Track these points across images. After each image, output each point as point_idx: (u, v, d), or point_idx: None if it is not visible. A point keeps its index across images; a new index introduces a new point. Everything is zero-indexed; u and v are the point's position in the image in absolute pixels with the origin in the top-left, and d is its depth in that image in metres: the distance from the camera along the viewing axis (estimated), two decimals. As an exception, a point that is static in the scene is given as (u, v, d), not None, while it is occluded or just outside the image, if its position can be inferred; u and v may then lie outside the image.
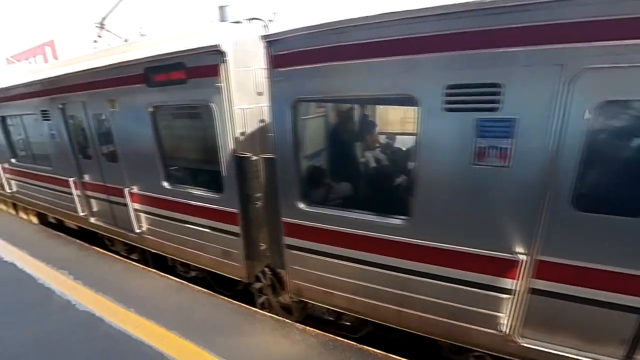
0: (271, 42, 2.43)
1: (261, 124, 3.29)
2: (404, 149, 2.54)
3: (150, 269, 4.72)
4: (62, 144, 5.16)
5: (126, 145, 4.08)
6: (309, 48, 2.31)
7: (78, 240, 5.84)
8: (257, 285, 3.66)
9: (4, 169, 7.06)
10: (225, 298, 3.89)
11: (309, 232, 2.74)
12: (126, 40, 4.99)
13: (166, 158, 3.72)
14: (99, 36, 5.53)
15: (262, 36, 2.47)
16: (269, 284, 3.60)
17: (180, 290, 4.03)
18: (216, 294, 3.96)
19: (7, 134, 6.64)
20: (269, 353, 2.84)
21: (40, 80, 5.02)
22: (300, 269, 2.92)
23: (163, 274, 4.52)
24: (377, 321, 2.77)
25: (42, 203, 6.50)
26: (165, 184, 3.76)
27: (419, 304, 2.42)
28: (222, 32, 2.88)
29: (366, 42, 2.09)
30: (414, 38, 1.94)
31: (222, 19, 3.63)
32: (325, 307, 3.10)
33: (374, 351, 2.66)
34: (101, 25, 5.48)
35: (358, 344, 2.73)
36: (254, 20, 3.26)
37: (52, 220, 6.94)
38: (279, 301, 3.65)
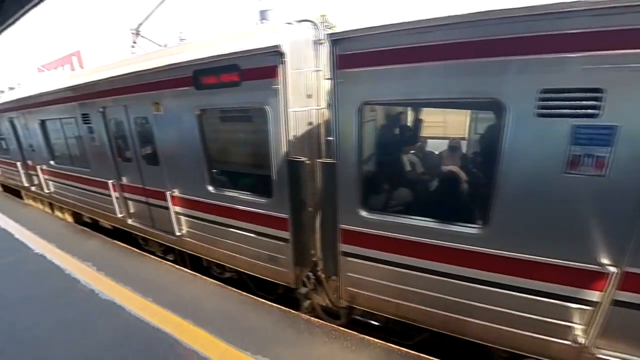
0: (338, 41, 2.23)
1: (309, 127, 3.11)
2: (481, 155, 2.29)
3: (165, 261, 4.80)
4: (101, 147, 5.08)
5: (169, 148, 3.94)
6: (382, 48, 2.11)
7: (101, 235, 6.04)
8: (303, 290, 3.48)
9: (43, 171, 7.10)
10: (235, 289, 3.92)
11: (370, 239, 2.55)
12: (165, 46, 4.86)
13: (211, 162, 3.55)
14: (134, 42, 5.48)
15: (328, 35, 2.28)
16: (312, 289, 3.47)
17: (194, 281, 4.15)
18: (226, 286, 4.01)
19: (46, 137, 6.64)
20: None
21: (81, 84, 4.95)
22: (356, 276, 2.75)
23: (177, 266, 4.63)
24: (439, 330, 2.57)
25: (78, 203, 6.49)
26: (210, 188, 3.59)
27: (488, 313, 2.25)
28: (280, 32, 2.69)
29: (448, 43, 1.91)
30: (506, 39, 1.76)
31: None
32: (377, 314, 2.93)
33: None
34: (137, 32, 5.45)
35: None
36: (303, 22, 3.05)
37: (87, 220, 6.95)
38: (322, 305, 3.53)
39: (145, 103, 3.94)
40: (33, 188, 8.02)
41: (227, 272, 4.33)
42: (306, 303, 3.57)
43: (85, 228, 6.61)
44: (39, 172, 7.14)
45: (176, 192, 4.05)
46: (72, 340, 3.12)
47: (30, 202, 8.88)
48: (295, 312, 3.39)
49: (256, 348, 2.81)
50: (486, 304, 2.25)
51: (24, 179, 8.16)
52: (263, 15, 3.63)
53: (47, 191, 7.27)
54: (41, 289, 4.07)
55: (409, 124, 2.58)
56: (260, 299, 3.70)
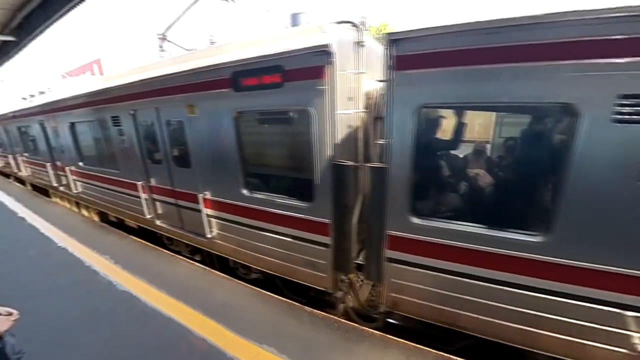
0: (397, 41, 2.08)
1: (350, 130, 2.94)
2: (548, 161, 2.12)
3: (177, 256, 4.92)
4: (130, 149, 4.99)
5: (202, 151, 3.82)
6: (446, 49, 1.97)
7: (118, 230, 6.24)
8: (339, 294, 3.36)
9: (71, 171, 7.11)
10: (241, 282, 4.01)
11: (420, 246, 2.41)
12: (194, 49, 4.73)
13: (247, 165, 3.41)
14: (161, 47, 5.54)
15: (386, 34, 2.13)
16: (347, 292, 3.38)
17: (203, 275, 4.27)
18: (233, 279, 4.10)
19: (75, 139, 6.64)
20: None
21: (113, 87, 4.88)
22: (401, 282, 2.61)
23: (189, 260, 4.74)
24: (490, 338, 2.42)
25: (106, 204, 6.46)
26: (245, 191, 3.46)
27: (545, 322, 2.14)
28: (328, 32, 2.53)
29: (520, 45, 1.78)
30: (582, 42, 1.63)
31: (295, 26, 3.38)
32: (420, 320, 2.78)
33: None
34: (164, 37, 5.49)
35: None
36: (343, 24, 2.89)
37: (113, 219, 6.92)
38: (354, 308, 3.46)
39: (179, 105, 3.84)
40: (61, 188, 8.08)
41: (253, 274, 4.24)
42: (341, 306, 3.45)
43: (103, 224, 6.83)
44: (68, 173, 7.17)
45: (208, 195, 3.93)
46: (93, 328, 3.23)
47: (57, 200, 8.98)
48: (299, 305, 3.44)
49: (261, 338, 2.90)
50: (549, 314, 2.13)
51: (52, 179, 8.21)
52: (294, 19, 3.52)
53: (75, 191, 7.31)
54: (64, 279, 4.24)
55: (468, 128, 2.38)
56: (265, 292, 3.76)
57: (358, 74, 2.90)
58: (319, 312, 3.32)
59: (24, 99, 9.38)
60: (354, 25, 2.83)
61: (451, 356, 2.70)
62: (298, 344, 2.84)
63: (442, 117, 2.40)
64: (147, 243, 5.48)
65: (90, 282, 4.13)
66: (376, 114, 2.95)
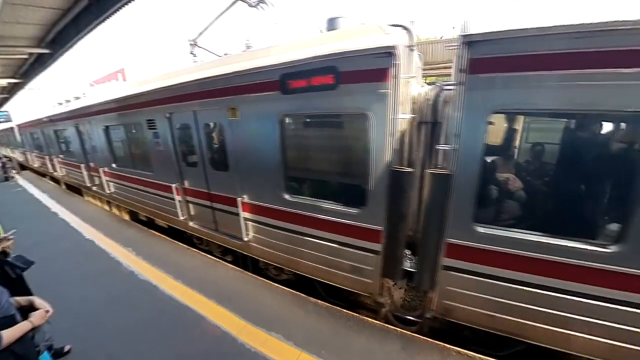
0: (472, 43, 1.91)
1: (403, 135, 2.73)
2: (629, 171, 1.92)
3: (191, 248, 5.07)
4: (165, 151, 4.89)
5: (242, 154, 3.66)
6: (530, 53, 1.80)
7: (137, 224, 6.58)
8: (382, 299, 3.19)
9: (104, 172, 7.18)
10: (251, 274, 4.13)
11: (483, 254, 2.24)
12: (226, 54, 4.62)
13: (290, 169, 3.25)
14: (192, 53, 5.46)
15: (461, 36, 1.94)
16: (390, 298, 3.25)
17: (216, 266, 4.42)
18: (244, 271, 4.23)
19: (109, 141, 6.65)
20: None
21: (147, 91, 4.80)
22: (458, 290, 2.46)
23: (203, 253, 4.88)
24: (553, 347, 2.29)
25: (138, 204, 6.43)
26: (287, 196, 3.30)
27: (612, 331, 2.01)
28: (390, 33, 2.35)
29: (621, 50, 1.60)
30: None
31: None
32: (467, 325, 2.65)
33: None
34: (194, 43, 5.44)
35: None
36: (394, 27, 2.68)
37: (143, 218, 6.91)
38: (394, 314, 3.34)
39: (218, 108, 3.70)
40: (94, 188, 8.21)
41: (284, 275, 4.12)
42: (382, 311, 3.30)
43: (126, 219, 7.20)
44: (101, 174, 7.24)
45: (246, 198, 3.81)
46: (117, 313, 3.43)
47: (90, 199, 9.19)
48: (304, 295, 3.51)
49: (270, 325, 3.01)
50: (623, 324, 1.99)
51: (86, 180, 8.33)
52: (332, 23, 3.38)
53: (108, 191, 7.36)
54: (91, 268, 4.49)
55: (544, 135, 2.19)
56: (273, 283, 3.87)
57: (410, 78, 2.72)
58: (322, 302, 3.39)
59: (60, 104, 9.66)
60: (405, 28, 2.63)
61: (446, 344, 2.70)
62: (303, 331, 2.93)
63: (516, 123, 2.21)
64: (164, 236, 5.67)
65: (114, 271, 4.36)
66: (422, 119, 2.78)
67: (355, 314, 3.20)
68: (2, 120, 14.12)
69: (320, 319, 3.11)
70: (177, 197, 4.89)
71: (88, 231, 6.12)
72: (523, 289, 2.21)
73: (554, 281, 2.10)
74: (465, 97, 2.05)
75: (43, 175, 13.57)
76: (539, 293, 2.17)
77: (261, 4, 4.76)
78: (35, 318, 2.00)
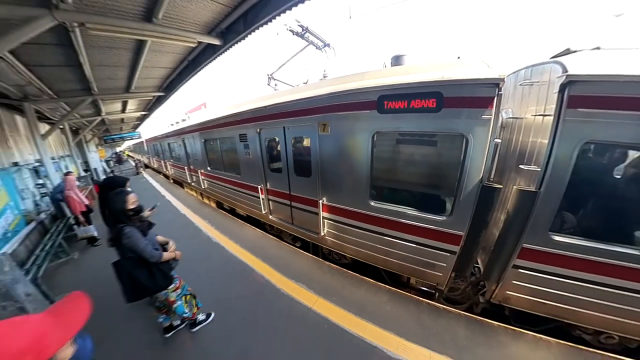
0: (573, 82, 1.92)
1: (495, 156, 2.63)
2: None
3: (246, 223, 5.73)
4: (253, 159, 5.21)
5: (327, 163, 3.71)
6: (615, 94, 1.82)
7: (211, 205, 7.65)
8: (442, 287, 3.11)
9: (201, 173, 8.09)
10: (285, 242, 4.54)
11: (552, 257, 2.25)
12: (306, 83, 4.89)
13: (378, 179, 3.22)
14: (269, 84, 6.05)
15: (566, 75, 1.92)
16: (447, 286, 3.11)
17: (264, 237, 4.93)
18: (281, 240, 4.67)
19: (206, 151, 7.44)
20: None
21: (241, 112, 5.20)
22: (520, 283, 2.47)
23: (254, 227, 5.45)
24: (591, 326, 2.40)
25: (225, 198, 7.06)
26: (371, 202, 3.28)
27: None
28: (494, 67, 2.33)
29: None
30: None
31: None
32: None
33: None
34: (271, 77, 6.03)
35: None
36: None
37: (227, 207, 7.52)
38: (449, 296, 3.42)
39: (309, 124, 3.76)
40: (193, 183, 9.36)
41: (345, 260, 4.19)
42: (437, 295, 3.28)
43: (205, 201, 8.24)
44: (199, 174, 8.18)
45: (325, 200, 3.88)
46: (200, 262, 4.05)
47: (188, 190, 10.36)
48: (322, 260, 3.92)
49: (297, 278, 3.46)
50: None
51: (187, 177, 9.60)
52: (397, 60, 3.34)
53: (202, 187, 8.28)
54: (183, 233, 5.33)
55: (622, 166, 2.09)
56: (301, 250, 4.26)
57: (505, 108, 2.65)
58: (335, 265, 3.74)
59: (171, 125, 11.45)
60: (487, 64, 2.54)
61: (430, 301, 2.89)
62: (320, 284, 3.35)
63: (602, 152, 2.12)
64: (228, 214, 6.53)
65: (197, 236, 5.18)
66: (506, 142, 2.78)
67: (356, 274, 3.52)
68: (135, 137, 18.24)
69: (332, 277, 3.52)
70: (262, 196, 5.22)
71: (182, 208, 7.33)
72: (574, 283, 2.28)
73: (602, 278, 2.17)
74: (560, 127, 1.99)
75: (158, 172, 16.31)
76: (584, 286, 2.25)
77: (326, 47, 5.36)
78: (175, 253, 2.42)
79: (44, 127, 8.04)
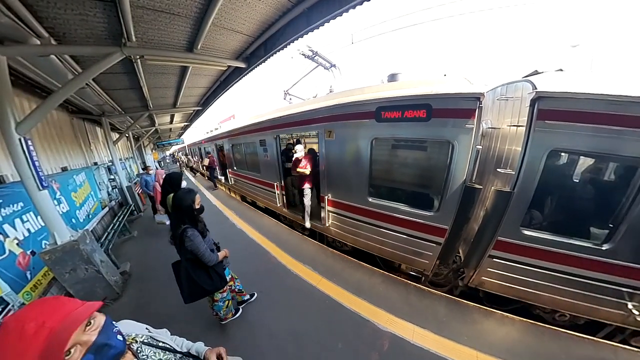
0: (542, 98, 1.89)
1: (476, 160, 2.56)
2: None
3: (266, 215, 5.71)
4: (271, 160, 5.25)
5: (331, 164, 3.70)
6: (578, 110, 1.79)
7: (237, 198, 7.71)
8: (428, 273, 3.06)
9: (229, 172, 8.27)
10: (298, 232, 4.51)
11: (522, 248, 2.20)
12: (315, 96, 4.82)
13: (374, 178, 3.21)
14: (285, 99, 6.11)
15: (536, 91, 1.88)
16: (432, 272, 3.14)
17: (277, 225, 4.97)
18: (292, 229, 4.65)
19: (232, 153, 7.66)
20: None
21: (262, 121, 5.27)
22: (494, 270, 2.42)
23: (271, 217, 5.43)
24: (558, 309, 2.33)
25: (248, 192, 7.18)
26: (369, 198, 3.27)
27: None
28: (475, 83, 2.32)
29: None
30: None
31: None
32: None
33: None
34: (287, 92, 6.13)
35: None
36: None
37: (249, 200, 7.63)
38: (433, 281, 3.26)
39: (317, 131, 3.76)
40: (223, 180, 9.65)
41: (345, 247, 4.15)
42: (423, 279, 3.22)
43: (233, 196, 8.31)
44: (228, 173, 8.45)
45: (330, 196, 3.88)
46: (224, 245, 3.95)
47: (219, 186, 10.52)
48: (325, 246, 3.86)
49: (305, 261, 3.48)
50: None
51: (219, 176, 9.95)
52: (392, 77, 3.31)
53: (230, 183, 8.53)
54: (214, 220, 5.49)
55: (582, 169, 2.07)
56: (308, 237, 4.26)
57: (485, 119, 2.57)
58: (337, 251, 3.69)
59: (207, 132, 11.87)
60: (468, 81, 2.53)
61: (416, 284, 2.83)
62: (324, 266, 3.34)
63: (564, 159, 2.11)
64: (250, 206, 6.56)
65: (223, 223, 5.32)
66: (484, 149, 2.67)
67: (354, 259, 3.46)
68: (180, 143, 19.25)
69: (334, 261, 3.49)
70: (277, 191, 5.30)
71: (214, 200, 7.52)
72: (537, 270, 2.25)
73: (562, 266, 2.15)
74: (531, 136, 1.95)
75: (196, 170, 17.12)
76: (546, 273, 2.23)
77: (332, 68, 5.41)
78: (225, 250, 2.23)
79: (115, 136, 8.83)
